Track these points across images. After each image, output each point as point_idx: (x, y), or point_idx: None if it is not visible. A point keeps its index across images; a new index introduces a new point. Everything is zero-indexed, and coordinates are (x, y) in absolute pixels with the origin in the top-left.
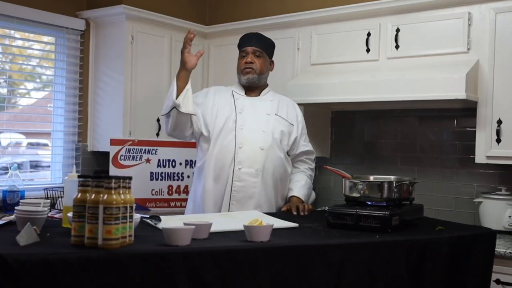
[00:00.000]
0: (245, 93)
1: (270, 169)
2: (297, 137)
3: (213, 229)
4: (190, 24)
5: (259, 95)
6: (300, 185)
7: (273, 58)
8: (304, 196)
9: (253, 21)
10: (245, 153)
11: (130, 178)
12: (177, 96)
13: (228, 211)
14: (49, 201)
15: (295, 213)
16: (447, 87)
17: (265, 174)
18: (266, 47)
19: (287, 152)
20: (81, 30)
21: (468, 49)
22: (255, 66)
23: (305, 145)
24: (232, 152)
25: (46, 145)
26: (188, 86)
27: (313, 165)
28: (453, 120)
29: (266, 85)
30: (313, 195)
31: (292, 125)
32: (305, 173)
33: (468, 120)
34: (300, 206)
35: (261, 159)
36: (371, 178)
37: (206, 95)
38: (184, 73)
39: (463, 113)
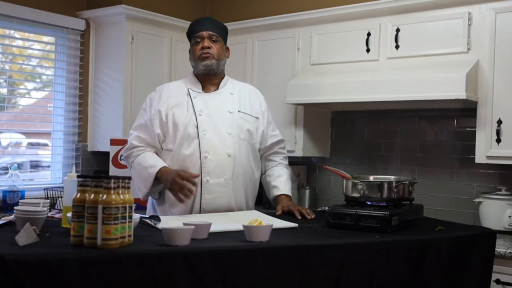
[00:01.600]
0: (202, 88)
1: (240, 175)
2: (264, 130)
3: (213, 229)
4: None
5: (217, 88)
6: (283, 180)
7: (273, 58)
8: (290, 191)
9: (253, 21)
10: (212, 162)
11: (129, 178)
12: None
13: None
14: (48, 201)
15: (299, 217)
16: (447, 87)
17: (235, 181)
18: (221, 31)
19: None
20: (81, 30)
21: (468, 49)
22: (213, 51)
23: (274, 135)
24: (197, 162)
25: (46, 145)
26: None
27: (286, 153)
28: (453, 120)
29: (223, 75)
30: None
31: (258, 118)
32: (282, 165)
33: (468, 120)
34: (303, 211)
35: (229, 167)
36: (371, 178)
37: (156, 109)
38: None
39: (463, 113)
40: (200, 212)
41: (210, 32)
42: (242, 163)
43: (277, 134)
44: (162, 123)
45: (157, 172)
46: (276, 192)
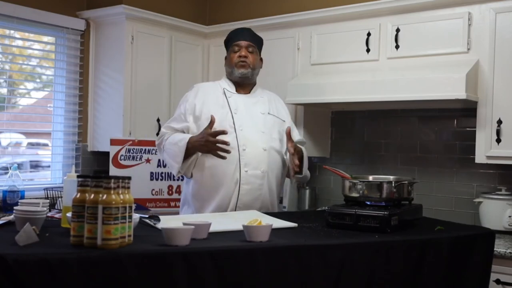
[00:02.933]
0: (236, 90)
1: (274, 170)
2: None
3: (212, 229)
4: (190, 24)
5: (249, 92)
6: (299, 150)
7: (273, 58)
8: (305, 154)
9: (253, 21)
10: (250, 154)
11: (129, 178)
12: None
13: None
14: (48, 201)
15: (292, 150)
16: (447, 87)
17: (270, 175)
18: (257, 43)
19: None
20: (81, 30)
21: (468, 49)
22: (249, 61)
23: (298, 134)
24: (236, 154)
25: (46, 145)
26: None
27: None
28: (453, 120)
29: (255, 83)
30: (308, 173)
31: (284, 121)
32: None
33: (468, 120)
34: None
35: (265, 160)
36: (370, 178)
37: (192, 104)
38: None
39: (463, 113)
40: (237, 203)
41: (249, 43)
42: (275, 159)
43: (300, 137)
44: (196, 117)
45: (187, 143)
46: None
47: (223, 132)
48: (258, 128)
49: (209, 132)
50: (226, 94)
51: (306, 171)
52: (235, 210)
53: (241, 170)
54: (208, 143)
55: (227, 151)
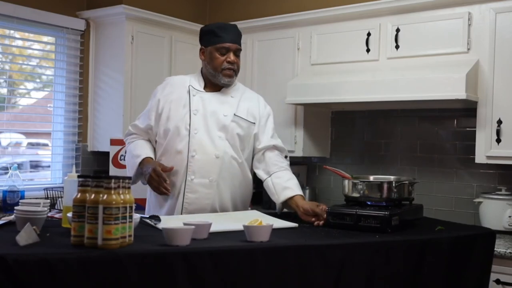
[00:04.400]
0: (204, 87)
1: (227, 178)
2: (257, 133)
3: (213, 229)
4: (190, 24)
5: (219, 90)
6: (296, 183)
7: (273, 58)
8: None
9: (253, 21)
10: (199, 162)
11: (129, 178)
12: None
13: None
14: (48, 201)
15: (321, 223)
16: (447, 87)
17: (221, 184)
18: (241, 41)
19: (253, 154)
20: (81, 30)
21: (468, 49)
22: (236, 67)
23: (273, 139)
24: (185, 160)
25: (46, 145)
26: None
27: (288, 163)
28: (453, 120)
29: None
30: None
31: (253, 123)
32: (289, 171)
33: (468, 120)
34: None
35: (216, 169)
36: (371, 178)
37: (156, 100)
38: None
39: (463, 113)
40: (182, 212)
41: (237, 46)
42: (231, 166)
43: (278, 142)
44: (157, 115)
45: (140, 163)
46: (290, 193)
47: (167, 170)
48: (215, 133)
49: (154, 168)
50: (190, 92)
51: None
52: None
53: (187, 178)
54: (150, 179)
55: (167, 191)
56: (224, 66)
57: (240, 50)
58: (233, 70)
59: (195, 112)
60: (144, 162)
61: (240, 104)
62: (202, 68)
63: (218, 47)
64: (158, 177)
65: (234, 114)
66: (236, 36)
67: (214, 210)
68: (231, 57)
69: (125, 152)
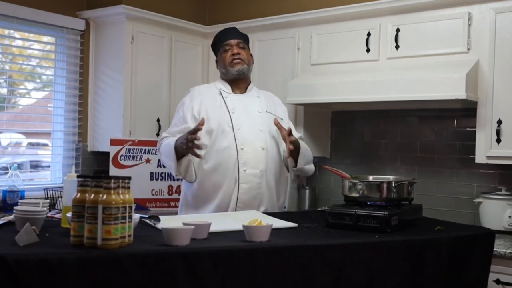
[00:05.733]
0: (232, 90)
1: (272, 168)
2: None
3: (212, 229)
4: (190, 24)
5: (245, 91)
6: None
7: (273, 58)
8: (305, 147)
9: (253, 21)
10: (248, 153)
11: (129, 178)
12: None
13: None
14: (48, 201)
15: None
16: (447, 87)
17: (268, 174)
18: (245, 39)
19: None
20: (81, 30)
21: (468, 49)
22: (243, 57)
23: (295, 133)
24: (234, 154)
25: (46, 145)
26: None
27: None
28: (453, 120)
29: (250, 80)
30: (312, 167)
31: (282, 119)
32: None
33: (468, 120)
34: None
35: (263, 159)
36: (370, 178)
37: (189, 106)
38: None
39: (463, 113)
40: (237, 202)
41: (238, 40)
42: (274, 157)
43: (300, 136)
44: (195, 119)
45: (176, 141)
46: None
47: (200, 125)
48: (256, 127)
49: (187, 136)
50: (222, 95)
51: (307, 165)
52: (235, 210)
53: (240, 169)
54: (186, 143)
55: (199, 148)
56: (230, 59)
57: (242, 42)
58: (240, 59)
59: (232, 110)
60: (177, 140)
61: (267, 102)
62: (220, 76)
63: (223, 47)
64: (191, 135)
65: (266, 111)
66: (235, 34)
67: (263, 198)
68: (235, 49)
69: (160, 152)
